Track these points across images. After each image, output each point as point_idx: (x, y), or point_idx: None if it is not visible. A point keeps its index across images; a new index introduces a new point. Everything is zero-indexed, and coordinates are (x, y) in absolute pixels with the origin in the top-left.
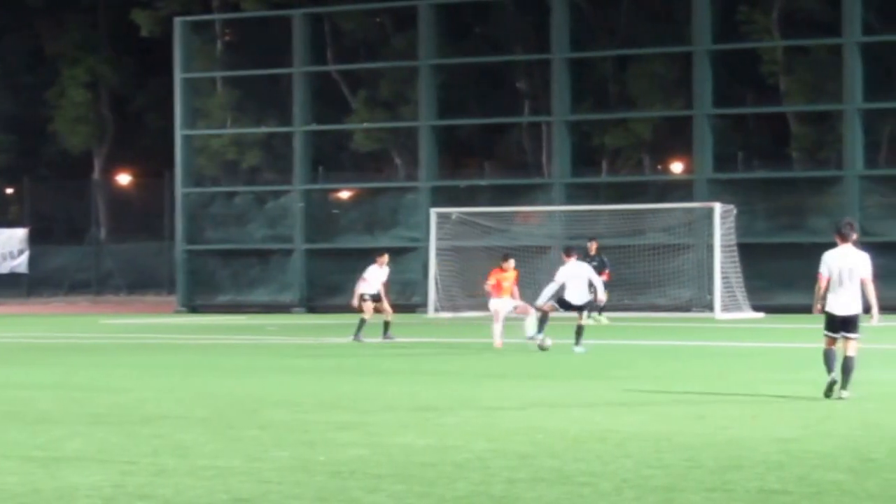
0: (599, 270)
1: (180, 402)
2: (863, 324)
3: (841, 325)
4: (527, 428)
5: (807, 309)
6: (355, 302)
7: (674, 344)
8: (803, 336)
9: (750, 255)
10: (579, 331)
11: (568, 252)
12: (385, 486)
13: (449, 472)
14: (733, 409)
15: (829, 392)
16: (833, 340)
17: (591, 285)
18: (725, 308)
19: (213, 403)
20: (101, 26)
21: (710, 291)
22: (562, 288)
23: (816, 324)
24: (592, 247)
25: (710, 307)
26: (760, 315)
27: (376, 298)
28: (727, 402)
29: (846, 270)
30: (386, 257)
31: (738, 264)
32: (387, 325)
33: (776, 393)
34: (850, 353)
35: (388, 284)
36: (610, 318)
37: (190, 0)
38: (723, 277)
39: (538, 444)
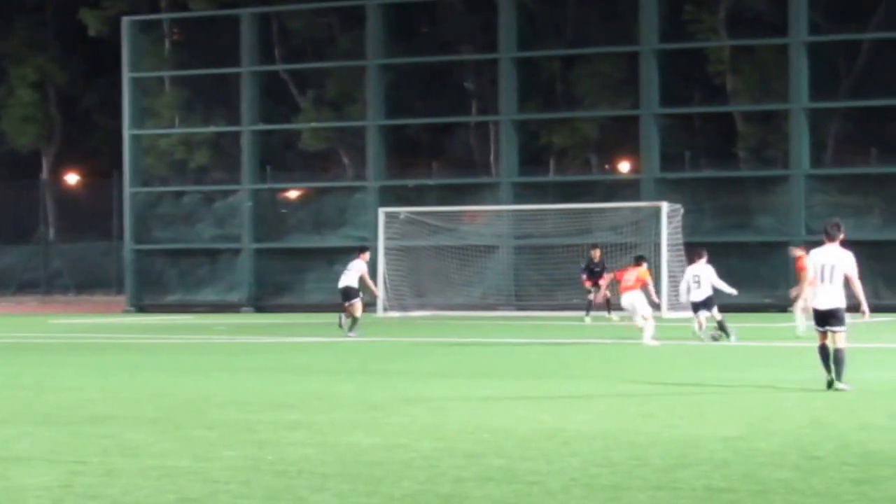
0: (600, 275)
1: (129, 402)
2: (855, 321)
3: (824, 318)
4: (474, 427)
5: (753, 308)
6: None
7: (621, 342)
8: (750, 335)
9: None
10: (721, 326)
11: (699, 254)
12: (332, 485)
13: (396, 471)
14: (680, 408)
15: (829, 387)
16: (824, 335)
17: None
18: (672, 307)
19: (161, 403)
20: (48, 25)
21: (658, 290)
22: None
23: (762, 322)
24: (596, 254)
25: (658, 306)
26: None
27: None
28: (674, 400)
29: (828, 267)
30: (367, 254)
31: (684, 263)
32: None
33: (723, 391)
34: (839, 345)
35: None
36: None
37: None
38: (670, 276)
39: (485, 442)
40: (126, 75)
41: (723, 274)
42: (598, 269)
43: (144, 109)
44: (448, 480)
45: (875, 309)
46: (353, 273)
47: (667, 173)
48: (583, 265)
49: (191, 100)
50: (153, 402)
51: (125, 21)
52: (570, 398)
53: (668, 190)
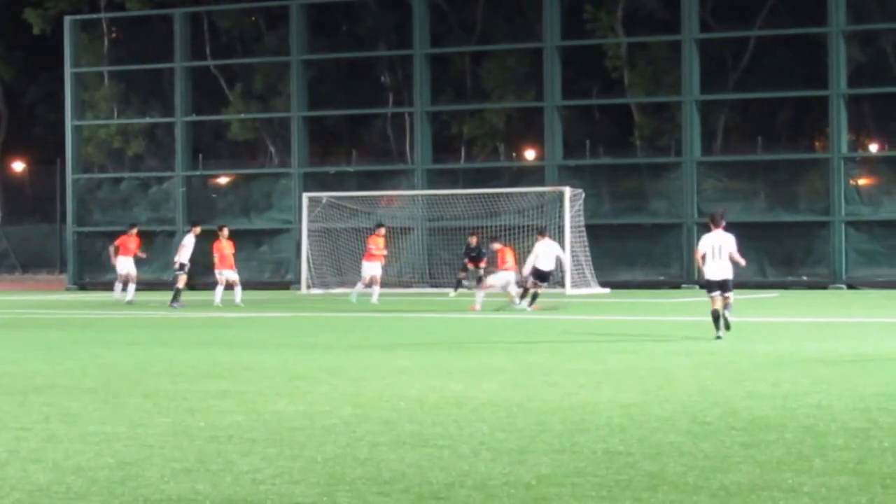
0: (479, 259)
1: (69, 373)
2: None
3: (718, 286)
4: (390, 395)
5: (647, 284)
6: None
7: (527, 318)
8: (644, 309)
9: (596, 235)
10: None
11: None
12: (259, 449)
13: (318, 436)
14: (580, 377)
15: (718, 337)
16: (715, 301)
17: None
18: (575, 284)
19: (100, 374)
20: None
21: (561, 269)
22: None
23: (656, 298)
24: (473, 240)
25: (561, 283)
26: (606, 290)
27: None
28: (575, 370)
29: (717, 248)
30: (198, 228)
31: (586, 244)
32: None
33: (620, 361)
34: (729, 302)
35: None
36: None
37: (78, 0)
38: (572, 256)
39: (400, 410)
40: (68, 70)
41: (620, 253)
42: (474, 254)
43: (85, 102)
44: (366, 445)
45: (761, 286)
46: (189, 251)
47: (568, 160)
48: (463, 250)
49: (128, 93)
50: (92, 373)
51: (67, 20)
52: (479, 369)
53: (569, 176)
